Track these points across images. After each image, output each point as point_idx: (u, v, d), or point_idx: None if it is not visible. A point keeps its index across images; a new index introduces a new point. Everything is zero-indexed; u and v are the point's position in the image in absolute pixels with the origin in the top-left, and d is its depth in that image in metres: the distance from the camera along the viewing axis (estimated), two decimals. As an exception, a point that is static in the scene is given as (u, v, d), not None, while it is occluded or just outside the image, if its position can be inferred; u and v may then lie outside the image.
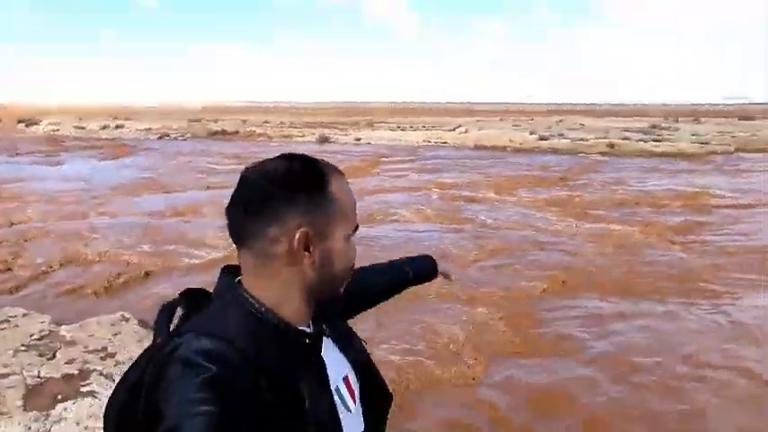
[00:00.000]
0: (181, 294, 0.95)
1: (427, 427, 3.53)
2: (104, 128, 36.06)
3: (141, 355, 0.91)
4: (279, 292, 0.92)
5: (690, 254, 7.49)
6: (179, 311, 0.93)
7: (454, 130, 32.38)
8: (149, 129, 35.06)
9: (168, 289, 6.03)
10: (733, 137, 27.54)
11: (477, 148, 26.23)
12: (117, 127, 36.30)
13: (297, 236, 0.89)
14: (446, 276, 1.59)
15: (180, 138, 31.21)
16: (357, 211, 0.98)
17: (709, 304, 5.56)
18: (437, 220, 9.97)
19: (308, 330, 0.95)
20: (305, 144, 28.29)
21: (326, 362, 0.96)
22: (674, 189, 13.45)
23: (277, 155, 0.97)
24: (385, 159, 21.09)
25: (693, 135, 27.95)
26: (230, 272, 0.98)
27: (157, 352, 0.84)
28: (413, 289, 1.53)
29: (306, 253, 0.90)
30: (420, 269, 1.53)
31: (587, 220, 9.97)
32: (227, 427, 0.73)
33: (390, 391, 1.11)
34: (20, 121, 40.63)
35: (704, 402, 3.83)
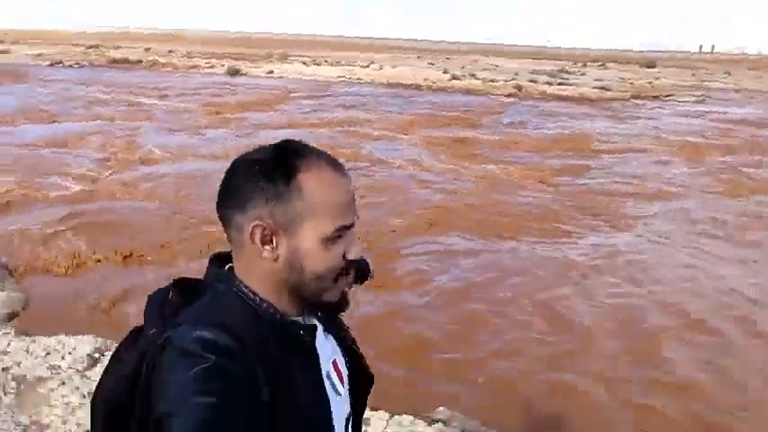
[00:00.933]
0: (173, 283, 0.91)
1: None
2: (-12, 51, 32.60)
3: (130, 345, 0.88)
4: (258, 282, 0.89)
5: (556, 195, 7.99)
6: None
7: (368, 66, 31.89)
8: (40, 54, 32.05)
9: (28, 220, 5.78)
10: (631, 83, 28.93)
11: (391, 85, 26.09)
12: (2, 52, 32.89)
13: (251, 229, 0.85)
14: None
15: (75, 66, 28.81)
16: (341, 213, 0.86)
17: (552, 243, 6.02)
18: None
19: (301, 321, 0.92)
20: (214, 76, 26.99)
21: (318, 349, 0.94)
22: (565, 133, 14.11)
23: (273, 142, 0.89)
24: (295, 95, 20.58)
25: (596, 80, 29.11)
26: (219, 260, 0.94)
27: (152, 343, 0.81)
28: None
29: (266, 246, 0.86)
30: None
31: (475, 162, 10.32)
32: (223, 418, 0.72)
33: (373, 373, 1.09)
34: None
35: (506, 328, 4.23)
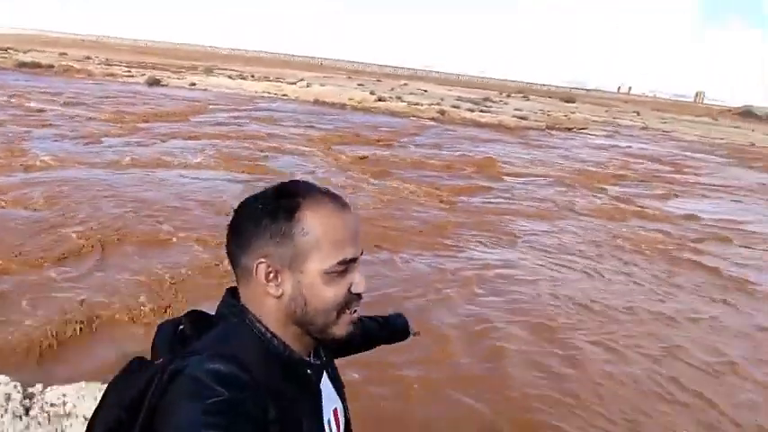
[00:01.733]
0: (186, 314, 0.92)
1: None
2: None
3: (132, 375, 0.84)
4: (267, 319, 0.88)
5: (450, 212, 8.15)
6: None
7: (295, 83, 31.80)
8: (-61, 52, 29.83)
9: None
10: (548, 115, 30.35)
11: (316, 103, 26.04)
12: None
13: (256, 266, 0.86)
14: (415, 334, 1.58)
15: (-22, 65, 26.96)
16: (344, 247, 0.86)
17: (431, 256, 6.11)
18: (232, 168, 9.73)
19: (310, 360, 0.92)
20: (132, 85, 25.99)
21: (322, 392, 0.94)
22: (476, 156, 14.51)
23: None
24: (213, 107, 20.11)
25: (516, 110, 30.35)
26: (235, 294, 0.92)
27: (161, 371, 0.78)
28: None
29: (270, 283, 0.86)
30: (397, 326, 1.52)
31: (385, 178, 10.39)
32: None
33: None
34: None
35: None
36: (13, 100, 15.90)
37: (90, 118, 14.20)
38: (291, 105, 23.79)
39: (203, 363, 0.78)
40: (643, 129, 33.56)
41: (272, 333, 0.88)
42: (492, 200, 9.39)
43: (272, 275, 0.86)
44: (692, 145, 27.21)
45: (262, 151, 11.74)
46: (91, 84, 24.17)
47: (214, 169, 9.47)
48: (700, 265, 7.05)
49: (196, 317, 0.93)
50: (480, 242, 6.79)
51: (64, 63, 30.92)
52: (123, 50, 56.53)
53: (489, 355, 4.20)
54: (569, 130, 27.15)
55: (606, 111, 42.79)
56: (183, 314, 0.93)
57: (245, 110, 19.88)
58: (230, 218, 0.90)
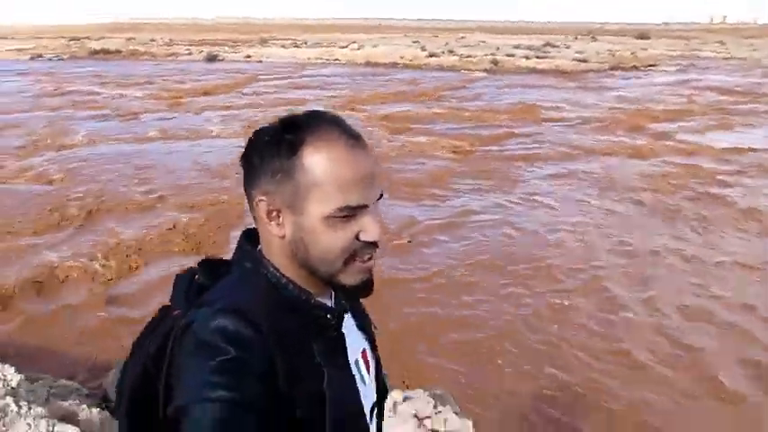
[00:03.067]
0: (198, 264, 0.88)
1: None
2: (-32, 47, 32.82)
3: (157, 326, 0.85)
4: (277, 259, 0.85)
5: (458, 162, 7.91)
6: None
7: (347, 47, 31.65)
8: (21, 50, 32.21)
9: None
10: (613, 55, 28.42)
11: (367, 64, 25.91)
12: (-15, 46, 33.13)
13: (256, 203, 0.82)
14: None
15: (54, 58, 28.91)
16: (350, 192, 0.79)
17: (417, 206, 6.05)
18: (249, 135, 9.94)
19: (328, 304, 0.88)
20: (190, 63, 26.97)
21: (346, 335, 0.90)
22: (517, 104, 13.92)
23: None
24: (262, 77, 20.51)
25: (578, 52, 28.64)
26: (250, 237, 0.89)
27: (176, 324, 0.79)
28: None
29: (272, 222, 0.82)
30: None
31: (405, 133, 10.23)
32: (238, 414, 0.70)
33: (387, 386, 1.06)
34: None
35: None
36: (76, 87, 16.98)
37: (138, 97, 14.93)
38: (341, 69, 23.79)
39: (210, 318, 0.76)
40: (726, 59, 30.67)
41: (286, 278, 0.84)
42: (511, 147, 9.01)
43: (273, 214, 0.82)
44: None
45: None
46: (154, 65, 25.32)
47: (230, 137, 9.70)
48: (714, 199, 6.45)
49: (211, 264, 0.88)
50: (474, 189, 6.57)
51: (131, 47, 32.50)
52: (186, 29, 58.49)
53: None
54: (635, 68, 25.34)
55: (685, 44, 39.33)
56: (197, 263, 0.89)
57: (289, 78, 20.11)
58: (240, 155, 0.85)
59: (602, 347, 3.60)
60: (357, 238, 0.80)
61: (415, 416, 2.62)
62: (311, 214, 0.79)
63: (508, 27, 69.95)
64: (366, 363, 0.95)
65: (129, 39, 38.99)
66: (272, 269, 0.84)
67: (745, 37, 48.66)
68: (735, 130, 10.96)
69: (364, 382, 0.93)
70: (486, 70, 23.70)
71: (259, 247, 0.87)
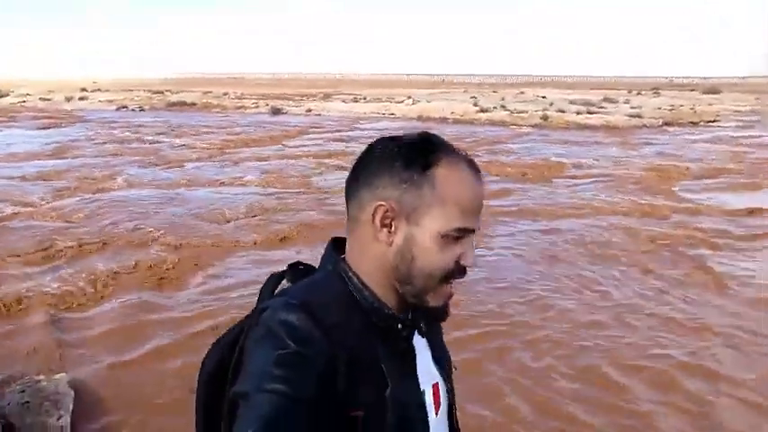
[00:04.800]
0: (288, 266, 0.93)
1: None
2: (69, 100, 36.60)
3: (242, 319, 0.89)
4: (366, 267, 0.88)
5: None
6: (285, 283, 0.91)
7: (402, 102, 32.73)
8: (111, 100, 35.60)
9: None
10: (671, 110, 27.77)
11: (419, 119, 26.67)
12: (81, 99, 36.84)
13: (375, 207, 0.85)
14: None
15: (137, 109, 31.75)
16: (467, 215, 0.84)
17: None
18: (272, 183, 10.62)
19: (401, 316, 0.89)
20: (257, 116, 28.81)
21: (417, 352, 0.91)
22: (545, 160, 13.99)
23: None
24: (314, 129, 21.63)
25: (634, 108, 28.19)
26: (337, 244, 0.94)
27: (254, 315, 0.83)
28: None
29: (384, 229, 0.85)
30: None
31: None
32: (291, 408, 0.72)
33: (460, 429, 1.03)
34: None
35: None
36: (141, 135, 18.66)
37: (190, 146, 16.22)
38: (393, 123, 24.59)
39: (279, 310, 0.79)
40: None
41: (363, 284, 0.87)
42: (503, 201, 9.17)
43: (388, 221, 0.84)
44: None
45: (318, 168, 12.56)
46: (219, 115, 27.30)
47: (252, 185, 10.42)
48: (691, 262, 6.31)
49: (300, 268, 0.93)
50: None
51: (204, 100, 35.16)
52: (262, 84, 62.40)
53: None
54: (693, 124, 24.62)
55: (756, 98, 37.69)
56: (288, 265, 0.94)
57: (338, 131, 21.07)
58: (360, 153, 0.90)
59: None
60: (457, 261, 0.85)
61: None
62: (428, 228, 0.83)
63: (575, 82, 69.51)
64: (436, 399, 0.93)
65: (205, 92, 42.24)
66: (350, 273, 0.88)
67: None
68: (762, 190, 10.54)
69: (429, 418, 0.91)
70: (534, 125, 23.80)
71: (343, 255, 0.91)
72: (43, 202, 8.84)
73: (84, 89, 44.66)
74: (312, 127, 22.57)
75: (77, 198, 9.04)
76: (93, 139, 17.34)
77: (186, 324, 4.48)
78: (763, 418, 3.55)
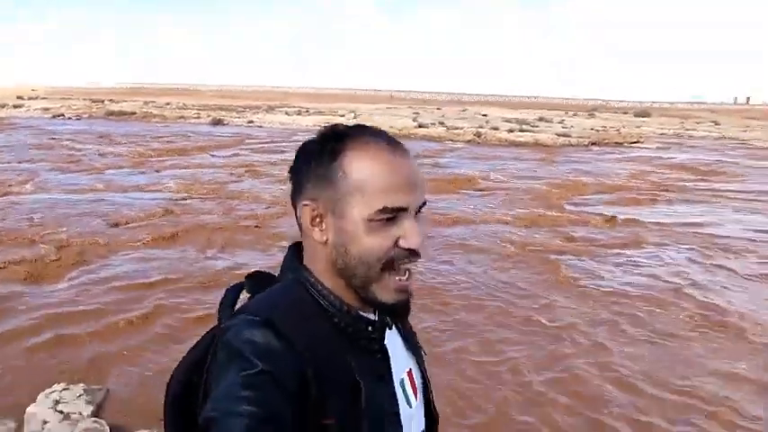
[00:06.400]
0: (247, 277, 0.91)
1: None
2: (2, 107, 35.55)
3: (204, 336, 0.88)
4: (320, 271, 0.86)
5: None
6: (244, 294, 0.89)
7: (344, 116, 33.31)
8: (47, 108, 34.77)
9: None
10: (597, 131, 29.29)
11: (359, 134, 27.22)
12: (15, 107, 35.83)
13: (301, 208, 0.86)
14: None
15: (73, 118, 31.13)
16: (391, 194, 0.80)
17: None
18: (182, 190, 10.82)
19: (371, 317, 0.88)
20: (197, 125, 28.73)
21: (390, 352, 0.90)
22: (462, 173, 14.69)
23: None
24: (248, 141, 21.82)
25: (565, 128, 29.57)
26: (296, 249, 0.92)
27: (217, 334, 0.81)
28: None
29: (315, 228, 0.85)
30: None
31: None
32: (266, 429, 0.70)
33: (438, 412, 1.03)
34: None
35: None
36: (67, 143, 18.45)
37: (116, 154, 16.18)
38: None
39: (243, 329, 0.77)
40: (718, 139, 31.23)
41: (327, 289, 0.85)
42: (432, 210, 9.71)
43: (317, 220, 0.84)
44: (761, 152, 24.96)
45: (234, 175, 12.82)
46: (158, 124, 27.14)
47: (166, 191, 10.61)
48: (548, 265, 6.97)
49: (259, 278, 0.91)
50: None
51: (145, 110, 34.76)
52: (208, 95, 62.03)
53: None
54: (618, 144, 26.08)
55: (681, 122, 40.10)
56: (246, 276, 0.91)
57: (272, 142, 21.35)
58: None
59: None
60: (397, 244, 0.81)
61: None
62: (352, 217, 0.81)
63: (520, 102, 71.97)
64: (413, 384, 0.94)
65: (147, 102, 41.70)
66: (312, 280, 0.86)
67: (746, 117, 49.17)
68: (647, 205, 11.45)
69: (410, 404, 0.92)
70: (468, 141, 24.71)
71: (304, 261, 0.89)
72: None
73: (20, 97, 43.35)
74: (249, 138, 22.76)
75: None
76: (13, 146, 17.07)
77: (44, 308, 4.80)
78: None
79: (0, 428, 2.96)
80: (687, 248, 7.90)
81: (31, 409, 3.20)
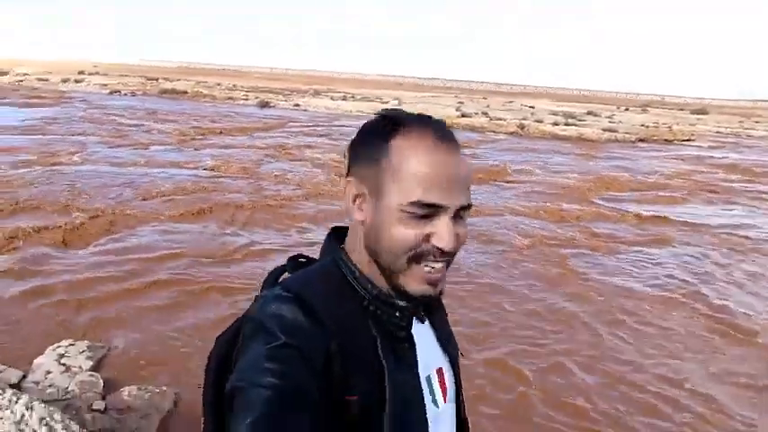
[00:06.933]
0: (289, 259, 0.93)
1: None
2: (65, 81, 37.23)
3: (246, 311, 0.88)
4: (359, 251, 0.87)
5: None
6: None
7: (387, 102, 33.35)
8: (105, 84, 36.22)
9: None
10: (647, 127, 28.36)
11: (400, 120, 27.24)
12: (77, 81, 37.48)
13: (346, 184, 0.87)
14: None
15: (128, 94, 32.35)
16: (430, 189, 0.78)
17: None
18: (221, 168, 11.20)
19: (402, 304, 0.86)
20: (245, 107, 29.40)
21: (418, 344, 0.89)
22: (495, 165, 14.59)
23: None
24: (291, 124, 22.21)
25: (611, 122, 28.78)
26: (336, 233, 0.94)
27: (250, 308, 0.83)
28: None
29: (355, 207, 0.86)
30: None
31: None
32: (285, 401, 0.71)
33: (468, 418, 1.03)
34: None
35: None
36: (116, 118, 19.25)
37: (163, 132, 16.81)
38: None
39: (271, 303, 0.79)
40: (778, 139, 29.73)
41: (360, 272, 0.86)
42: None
43: (359, 199, 0.85)
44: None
45: (268, 156, 13.14)
46: (207, 104, 27.92)
47: (199, 169, 11.01)
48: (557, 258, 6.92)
49: (300, 260, 0.93)
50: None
51: (196, 89, 35.77)
52: (259, 78, 63.08)
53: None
54: (668, 142, 25.20)
55: (740, 121, 38.29)
56: (288, 259, 0.93)
57: (315, 126, 21.67)
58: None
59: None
60: (428, 239, 0.80)
61: None
62: (389, 202, 0.80)
63: (571, 95, 70.12)
64: (442, 385, 0.93)
65: (199, 81, 42.87)
66: (350, 264, 0.87)
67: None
68: (680, 204, 11.12)
69: (436, 405, 0.90)
70: (510, 133, 24.39)
71: (343, 245, 0.90)
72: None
73: (81, 72, 45.30)
74: (293, 121, 23.15)
75: (29, 169, 9.66)
76: (71, 119, 17.95)
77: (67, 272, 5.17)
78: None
79: (8, 375, 3.26)
80: (712, 249, 7.69)
81: (38, 360, 3.51)
